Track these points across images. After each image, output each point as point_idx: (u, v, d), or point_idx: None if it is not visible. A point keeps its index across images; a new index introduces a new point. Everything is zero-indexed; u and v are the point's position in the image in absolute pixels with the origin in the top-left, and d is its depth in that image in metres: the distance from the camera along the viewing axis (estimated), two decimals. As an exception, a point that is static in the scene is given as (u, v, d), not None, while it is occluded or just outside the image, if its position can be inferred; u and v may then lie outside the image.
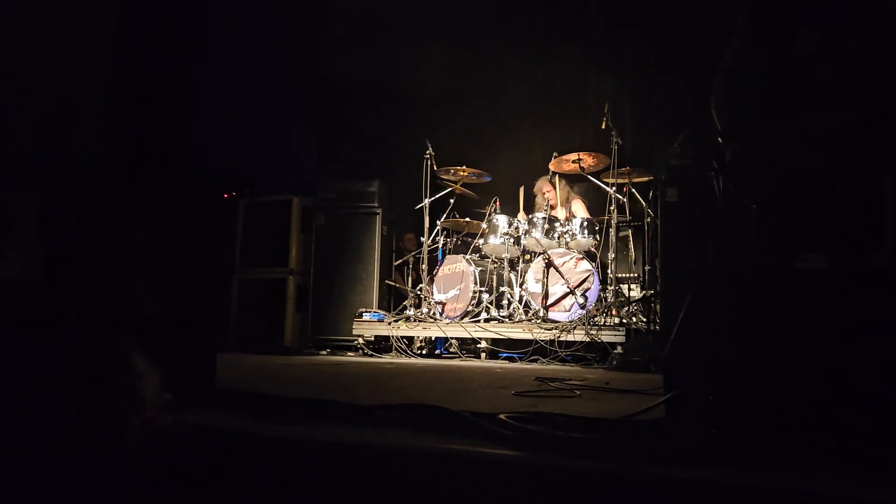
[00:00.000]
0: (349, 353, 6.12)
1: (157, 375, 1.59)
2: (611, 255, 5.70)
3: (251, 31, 8.16)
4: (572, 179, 6.56)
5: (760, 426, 1.34)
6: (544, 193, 6.41)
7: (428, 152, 6.41)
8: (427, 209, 6.43)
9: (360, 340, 6.07)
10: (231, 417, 1.62)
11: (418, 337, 6.08)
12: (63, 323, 2.11)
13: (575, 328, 5.17)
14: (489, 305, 5.88)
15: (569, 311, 5.57)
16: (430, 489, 1.32)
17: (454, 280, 6.13)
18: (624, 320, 5.33)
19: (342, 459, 1.38)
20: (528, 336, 5.33)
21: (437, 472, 1.32)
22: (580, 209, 6.44)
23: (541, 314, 5.61)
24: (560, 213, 6.36)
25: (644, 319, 5.39)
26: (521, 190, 6.57)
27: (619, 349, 4.97)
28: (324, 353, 6.24)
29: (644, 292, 5.69)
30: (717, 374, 1.51)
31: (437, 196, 6.49)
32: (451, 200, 6.49)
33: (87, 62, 6.89)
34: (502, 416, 1.36)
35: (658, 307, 5.16)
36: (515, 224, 6.12)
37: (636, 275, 6.07)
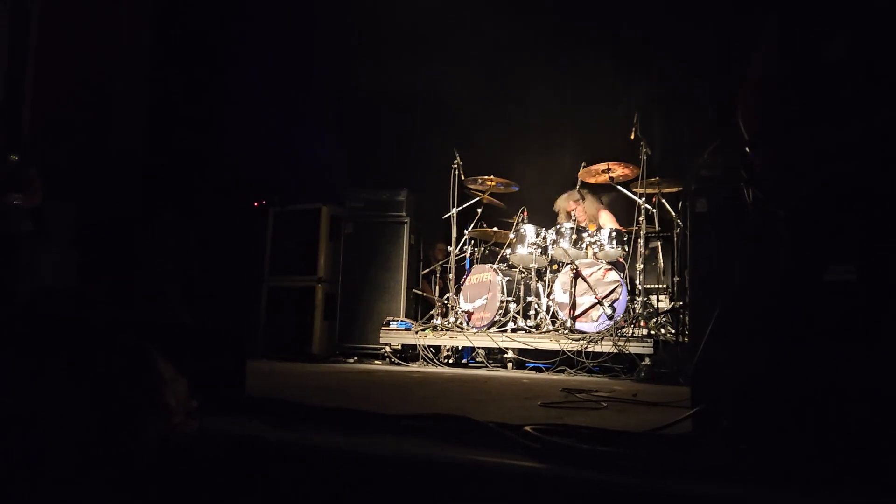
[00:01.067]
0: (376, 362, 6.14)
1: (184, 382, 1.62)
2: (639, 266, 5.65)
3: (282, 41, 8.27)
4: (600, 190, 6.53)
5: (790, 442, 1.32)
6: (569, 210, 6.38)
7: (456, 162, 6.42)
8: (455, 218, 6.44)
9: (387, 349, 6.09)
10: (260, 425, 1.64)
11: (445, 346, 6.08)
12: (94, 330, 2.16)
13: (602, 339, 5.14)
14: (516, 315, 5.87)
15: (596, 321, 5.54)
16: (455, 499, 1.33)
17: (481, 289, 6.13)
18: (652, 332, 5.28)
19: (369, 468, 1.39)
20: (555, 346, 5.31)
21: (462, 482, 1.32)
22: (609, 221, 6.40)
23: (568, 325, 5.58)
24: (589, 225, 6.33)
25: (673, 331, 5.35)
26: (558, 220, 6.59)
27: (647, 361, 4.93)
28: (351, 360, 6.27)
29: (673, 304, 5.64)
30: (745, 388, 1.50)
31: (464, 205, 6.50)
32: (479, 210, 6.50)
33: (124, 77, 7.03)
34: (528, 428, 1.36)
35: (687, 319, 5.11)
36: (543, 234, 6.11)
37: (665, 286, 6.01)
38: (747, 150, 2.00)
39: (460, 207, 6.47)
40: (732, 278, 4.26)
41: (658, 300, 5.98)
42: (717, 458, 1.39)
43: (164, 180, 7.03)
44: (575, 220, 6.13)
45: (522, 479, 1.24)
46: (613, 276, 5.58)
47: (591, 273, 5.65)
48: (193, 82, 7.60)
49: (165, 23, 7.47)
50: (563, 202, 6.49)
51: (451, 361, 6.07)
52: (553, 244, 6.03)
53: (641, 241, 5.69)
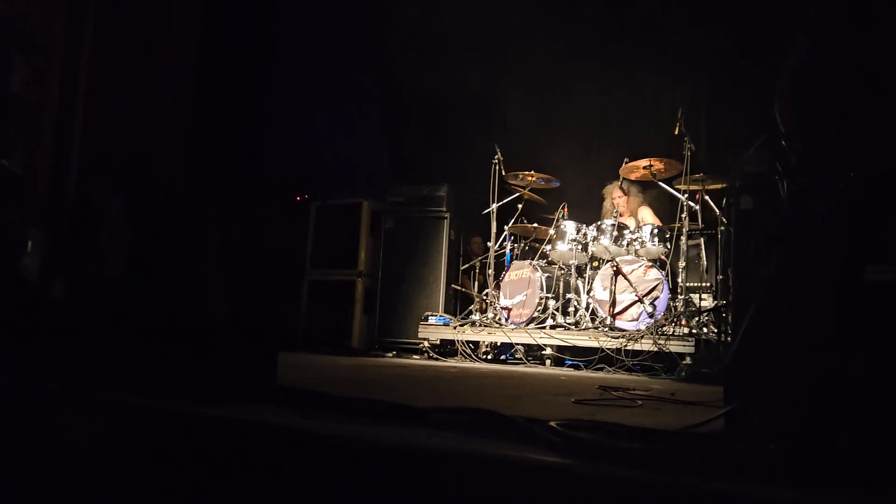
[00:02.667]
0: (415, 356, 6.17)
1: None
2: (681, 264, 5.56)
3: (325, 37, 8.34)
4: (642, 186, 6.45)
5: (821, 443, 1.29)
6: (614, 199, 6.32)
7: (496, 157, 6.41)
8: (495, 214, 6.42)
9: (426, 344, 6.11)
10: (288, 414, 1.66)
11: (483, 342, 6.08)
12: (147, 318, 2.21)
13: (642, 337, 5.07)
14: (555, 312, 5.83)
15: (636, 319, 5.47)
16: (477, 492, 1.32)
17: (520, 286, 6.10)
18: (694, 331, 5.20)
19: (392, 459, 1.39)
20: (594, 344, 5.26)
21: (484, 475, 1.32)
22: (649, 216, 6.31)
23: (608, 322, 5.53)
24: (629, 220, 6.26)
25: (715, 330, 5.25)
26: (603, 205, 6.54)
27: (687, 360, 4.85)
28: (390, 355, 6.31)
29: (716, 302, 5.54)
30: (779, 387, 1.46)
31: (504, 201, 6.48)
32: (519, 205, 6.47)
33: (171, 71, 7.17)
34: (553, 423, 1.35)
35: (730, 318, 5.01)
36: (584, 230, 6.05)
37: (708, 284, 5.91)
38: (783, 143, 1.95)
39: (500, 203, 6.45)
40: (767, 275, 4.16)
41: (701, 299, 5.88)
42: (747, 457, 1.36)
43: (209, 174, 7.16)
44: (617, 212, 6.06)
45: (543, 473, 1.23)
46: (655, 273, 5.50)
47: (632, 270, 5.58)
48: (238, 77, 7.72)
49: (213, 19, 7.60)
50: (611, 189, 6.44)
51: (489, 357, 6.07)
52: (593, 241, 5.97)
53: (684, 239, 5.59)
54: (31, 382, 2.10)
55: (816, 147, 1.87)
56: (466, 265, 6.95)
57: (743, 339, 1.61)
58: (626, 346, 5.07)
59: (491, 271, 6.34)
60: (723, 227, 5.52)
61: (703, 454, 1.35)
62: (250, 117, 7.99)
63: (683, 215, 5.62)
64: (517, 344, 5.81)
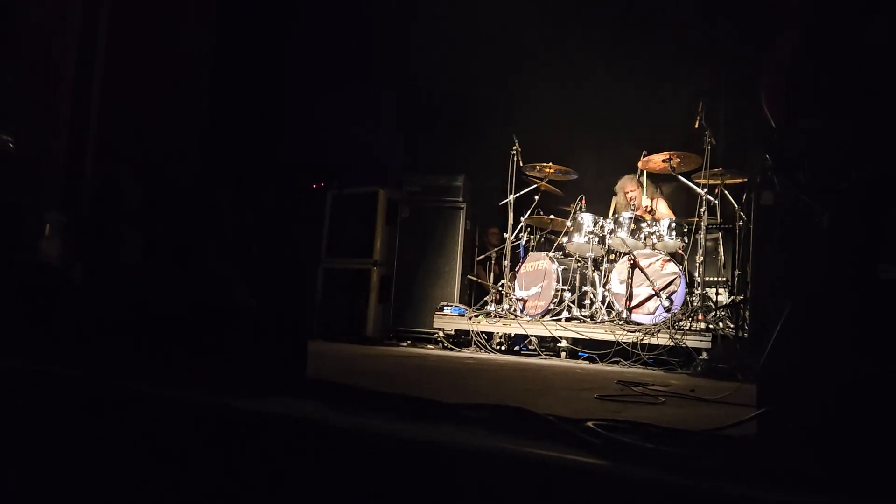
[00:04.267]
0: (429, 346, 6.18)
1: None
2: (699, 259, 5.53)
3: (343, 26, 8.31)
4: (660, 179, 6.41)
5: (861, 451, 1.28)
6: (626, 193, 6.28)
7: (514, 148, 6.38)
8: (511, 205, 6.41)
9: (441, 334, 6.11)
10: (320, 407, 1.66)
11: (498, 333, 6.07)
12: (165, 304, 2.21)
13: (659, 331, 5.06)
14: (571, 304, 5.82)
15: (653, 313, 5.45)
16: (511, 493, 1.32)
17: (536, 277, 6.09)
18: (710, 326, 5.17)
19: (426, 456, 1.39)
20: (609, 337, 5.25)
21: (519, 475, 1.31)
22: (665, 210, 6.28)
23: (624, 316, 5.51)
24: (644, 214, 6.22)
25: (732, 326, 5.23)
26: (614, 200, 6.49)
27: (704, 355, 4.83)
28: (404, 344, 6.32)
29: (733, 298, 5.51)
30: (817, 390, 1.45)
31: (521, 192, 6.46)
32: (536, 197, 6.45)
33: (187, 56, 7.17)
34: (590, 424, 1.34)
35: (747, 314, 4.99)
36: (601, 223, 6.03)
37: (725, 279, 5.88)
38: (774, 136, 1.90)
39: (518, 194, 6.43)
40: (798, 274, 4.13)
41: (717, 294, 5.85)
42: (784, 463, 1.35)
43: (225, 160, 7.16)
44: (633, 205, 6.02)
45: (582, 475, 1.23)
46: (672, 267, 5.48)
47: (649, 264, 5.56)
48: (254, 64, 7.71)
49: (229, 6, 7.58)
50: (625, 182, 6.39)
51: (503, 348, 6.07)
52: (611, 234, 5.95)
53: (702, 233, 5.56)
54: (51, 368, 2.11)
55: (811, 142, 1.83)
56: (482, 256, 6.94)
57: (778, 340, 1.59)
58: (641, 340, 5.05)
59: (507, 262, 6.33)
60: (741, 222, 5.49)
61: (740, 459, 1.35)
62: (267, 104, 7.98)
63: (702, 209, 5.58)
64: (532, 335, 5.81)
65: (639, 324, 5.36)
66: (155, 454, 1.78)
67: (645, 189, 6.26)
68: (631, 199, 6.15)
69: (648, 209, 6.21)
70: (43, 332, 2.47)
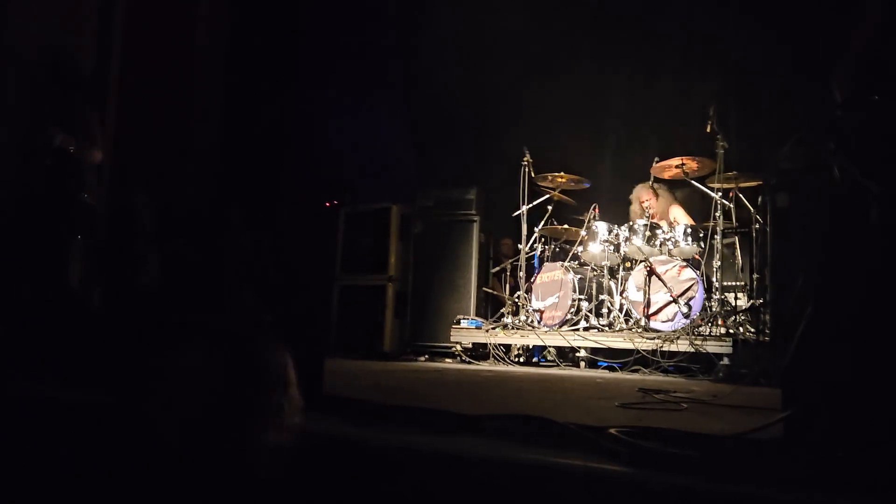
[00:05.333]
0: (447, 360, 6.16)
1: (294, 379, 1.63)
2: (716, 263, 5.48)
3: (354, 41, 8.36)
4: (674, 185, 6.37)
5: (892, 451, 1.25)
6: (642, 202, 6.24)
7: (526, 159, 6.37)
8: (525, 216, 6.39)
9: (458, 347, 6.09)
10: (340, 423, 1.66)
11: (516, 345, 6.04)
12: (191, 328, 2.21)
13: (678, 338, 5.01)
14: (588, 314, 5.79)
15: (672, 320, 5.41)
16: (536, 503, 1.31)
17: (552, 288, 6.06)
18: (731, 330, 5.13)
19: (449, 469, 1.38)
20: (628, 345, 5.21)
21: (544, 485, 1.30)
22: (681, 216, 6.23)
23: (642, 323, 5.47)
24: (661, 222, 6.19)
25: (752, 330, 5.17)
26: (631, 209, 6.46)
27: (725, 360, 4.78)
28: (422, 359, 6.30)
29: (752, 301, 5.46)
30: (844, 392, 1.42)
31: (534, 203, 6.44)
32: (549, 207, 6.42)
33: (200, 78, 7.24)
34: (612, 431, 1.32)
35: (767, 317, 4.93)
36: (615, 231, 6.00)
37: (743, 283, 5.82)
38: (838, 113, 1.87)
39: (530, 205, 6.41)
40: (818, 275, 4.08)
41: (736, 298, 5.80)
42: (812, 465, 1.32)
43: (238, 180, 7.20)
44: (649, 213, 5.99)
45: (607, 482, 1.21)
46: (689, 273, 5.44)
47: (666, 270, 5.52)
48: (267, 82, 7.76)
49: (240, 27, 7.65)
50: (639, 191, 6.35)
51: (521, 360, 6.03)
52: (626, 241, 5.92)
53: (718, 238, 5.52)
54: (76, 394, 2.11)
55: (880, 118, 1.79)
56: (497, 268, 6.92)
57: (801, 342, 1.57)
58: (661, 347, 5.01)
59: (522, 273, 6.31)
60: (757, 225, 5.44)
61: (766, 462, 1.32)
62: (279, 123, 8.04)
63: (717, 214, 5.54)
64: (550, 346, 5.78)
65: (658, 331, 5.31)
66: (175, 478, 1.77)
67: (661, 196, 6.23)
68: (647, 208, 6.10)
69: (665, 217, 6.18)
70: (67, 357, 2.48)
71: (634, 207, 6.42)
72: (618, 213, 6.40)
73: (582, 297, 5.89)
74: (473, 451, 1.42)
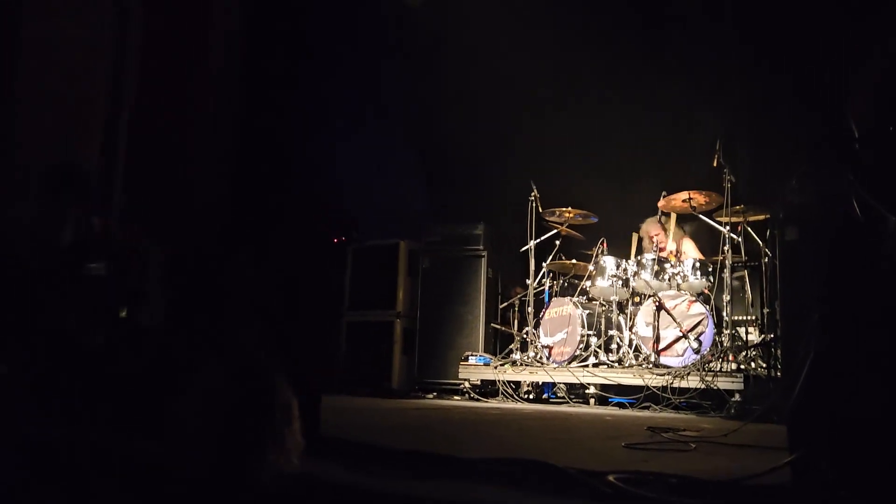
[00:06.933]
0: (455, 397, 6.09)
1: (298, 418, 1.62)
2: (726, 298, 5.42)
3: (360, 79, 8.44)
4: (682, 219, 6.34)
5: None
6: (651, 237, 6.21)
7: (533, 194, 6.37)
8: (532, 251, 6.36)
9: (467, 384, 6.03)
10: (333, 466, 1.62)
11: (525, 381, 5.98)
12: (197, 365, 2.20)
13: (689, 374, 4.94)
14: (597, 349, 5.73)
15: (682, 355, 5.34)
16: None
17: (561, 323, 6.01)
18: (742, 366, 5.05)
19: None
20: (638, 382, 5.14)
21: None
22: (692, 250, 6.19)
23: (652, 359, 5.40)
24: (670, 256, 6.14)
25: (764, 365, 5.10)
26: (634, 237, 6.41)
27: (736, 396, 4.70)
28: (430, 396, 6.24)
29: (763, 336, 5.39)
30: (847, 431, 1.38)
31: (542, 238, 6.42)
32: (557, 242, 6.40)
33: (209, 122, 7.32)
34: (611, 478, 1.28)
35: (779, 352, 4.86)
36: (624, 266, 5.96)
37: (754, 318, 5.75)
38: (856, 146, 1.85)
39: (538, 240, 6.39)
40: (827, 310, 4.02)
41: (747, 332, 5.72)
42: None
43: (245, 219, 7.23)
44: (657, 248, 5.95)
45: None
46: (698, 307, 5.38)
47: (675, 305, 5.46)
48: (274, 120, 7.84)
49: (249, 60, 7.75)
50: (648, 226, 6.32)
51: (531, 397, 5.96)
52: (634, 276, 5.87)
53: (727, 272, 5.47)
54: (76, 433, 2.09)
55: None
56: (505, 303, 6.88)
57: (807, 379, 1.53)
58: (671, 383, 4.94)
59: (530, 309, 6.26)
60: (766, 259, 5.39)
61: (771, 508, 1.28)
62: (286, 161, 8.10)
63: (726, 248, 5.50)
64: (559, 383, 5.71)
65: (668, 367, 5.24)
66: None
67: (671, 231, 6.19)
68: (657, 243, 6.06)
69: (675, 252, 6.13)
70: (68, 397, 2.47)
71: (645, 243, 6.38)
72: (625, 248, 6.37)
73: (591, 332, 5.83)
74: (470, 497, 1.38)
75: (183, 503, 1.72)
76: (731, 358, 5.15)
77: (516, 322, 6.70)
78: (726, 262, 5.47)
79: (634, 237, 6.40)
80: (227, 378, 1.74)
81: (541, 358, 6.01)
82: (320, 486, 1.56)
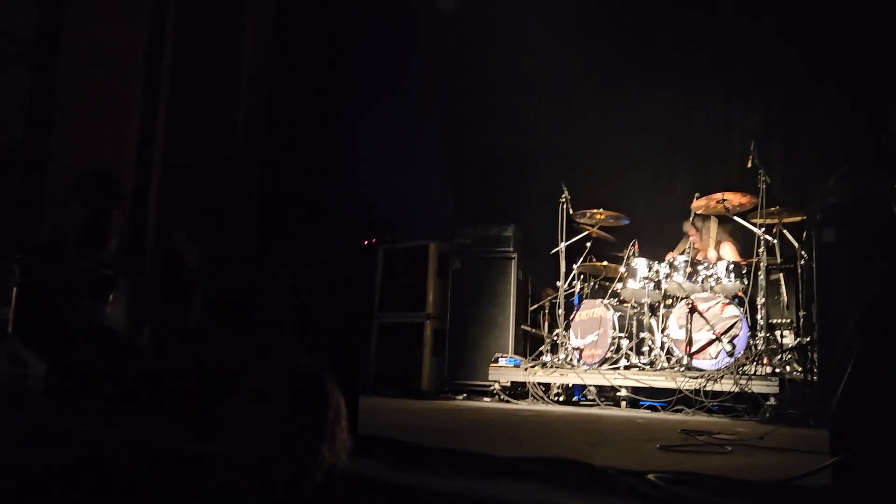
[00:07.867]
0: (485, 399, 6.09)
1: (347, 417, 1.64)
2: (760, 300, 5.36)
3: (391, 81, 8.51)
4: (718, 221, 6.27)
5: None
6: (689, 237, 6.15)
7: (564, 196, 6.34)
8: (563, 253, 6.34)
9: (497, 386, 6.03)
10: (374, 464, 1.64)
11: (555, 383, 5.96)
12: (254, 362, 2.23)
13: (722, 377, 4.89)
14: (629, 352, 5.69)
15: (715, 358, 5.28)
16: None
17: (592, 325, 5.98)
18: (777, 369, 4.98)
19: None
20: (671, 385, 5.10)
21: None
22: (730, 253, 6.11)
23: (684, 362, 5.36)
24: (710, 255, 6.08)
25: (800, 369, 5.02)
26: (689, 229, 6.27)
27: (771, 400, 4.65)
28: (460, 397, 6.25)
29: (799, 339, 5.31)
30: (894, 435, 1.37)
31: (573, 240, 6.40)
32: (588, 244, 6.37)
33: (242, 120, 7.42)
34: (651, 477, 1.28)
35: (815, 356, 4.79)
36: (656, 268, 5.91)
37: (790, 321, 5.67)
38: None
39: (569, 242, 6.37)
40: (867, 312, 3.96)
41: (782, 335, 5.65)
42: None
43: (279, 221, 7.33)
44: (693, 247, 5.90)
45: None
46: (732, 310, 5.32)
47: (708, 308, 5.41)
48: (308, 122, 7.94)
49: (282, 68, 7.86)
50: (688, 226, 6.25)
51: (561, 399, 5.94)
52: (666, 278, 5.82)
53: (762, 274, 5.40)
54: (118, 432, 2.13)
55: None
56: (535, 305, 6.86)
57: (850, 381, 1.51)
58: (704, 386, 4.89)
59: (561, 311, 6.24)
60: (803, 261, 5.32)
61: (814, 510, 1.27)
62: (319, 163, 8.19)
63: (760, 250, 5.43)
64: (590, 385, 5.68)
65: (701, 370, 5.19)
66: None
67: (710, 231, 6.12)
68: (691, 245, 6.00)
69: (715, 251, 6.07)
70: (110, 395, 2.52)
71: (685, 240, 6.30)
72: (657, 250, 6.31)
73: (622, 334, 5.80)
74: (510, 495, 1.39)
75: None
76: (766, 361, 5.09)
77: (546, 324, 6.68)
78: (761, 264, 5.40)
79: (689, 230, 6.26)
80: (280, 379, 1.76)
81: (571, 360, 5.99)
82: (365, 483, 1.58)
